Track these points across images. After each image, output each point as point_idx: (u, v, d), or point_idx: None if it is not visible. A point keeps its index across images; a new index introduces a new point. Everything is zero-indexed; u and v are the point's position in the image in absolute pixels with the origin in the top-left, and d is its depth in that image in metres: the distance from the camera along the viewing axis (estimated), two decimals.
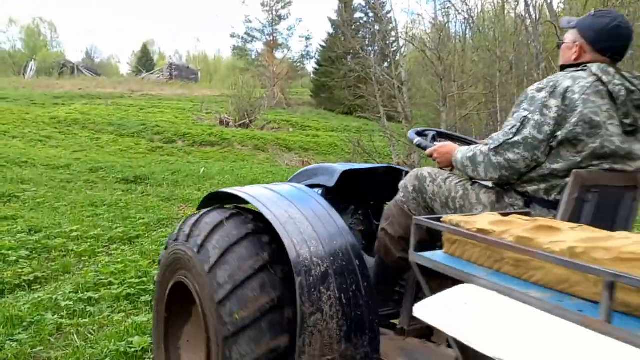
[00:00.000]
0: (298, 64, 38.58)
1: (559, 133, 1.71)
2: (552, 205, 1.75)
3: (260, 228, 1.95)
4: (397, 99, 16.42)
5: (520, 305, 1.00)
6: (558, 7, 20.48)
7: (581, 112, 1.68)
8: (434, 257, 1.37)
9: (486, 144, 1.86)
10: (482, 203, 1.90)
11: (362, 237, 2.61)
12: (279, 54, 36.48)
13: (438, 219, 1.46)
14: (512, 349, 0.84)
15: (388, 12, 26.77)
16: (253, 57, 37.65)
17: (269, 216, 1.88)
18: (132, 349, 2.87)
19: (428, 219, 1.48)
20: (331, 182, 2.44)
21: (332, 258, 1.79)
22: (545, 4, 18.64)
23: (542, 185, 1.78)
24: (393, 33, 24.55)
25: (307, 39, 38.81)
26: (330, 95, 31.77)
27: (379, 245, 2.17)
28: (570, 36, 1.89)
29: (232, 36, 37.59)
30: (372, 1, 28.25)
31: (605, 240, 1.04)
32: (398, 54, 22.49)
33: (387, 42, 23.39)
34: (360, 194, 2.64)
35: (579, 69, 1.80)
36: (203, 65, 55.74)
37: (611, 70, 1.76)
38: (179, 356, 2.21)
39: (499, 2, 26.46)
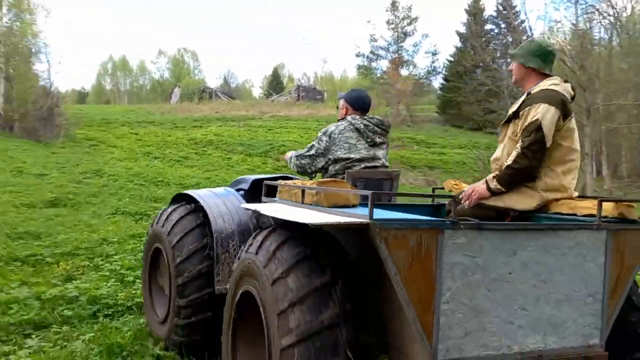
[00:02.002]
0: (424, 80, 37.73)
1: (329, 155, 3.25)
2: None
3: (199, 210, 3.42)
4: None
5: (282, 205, 2.68)
6: None
7: (340, 140, 3.23)
8: (272, 200, 2.90)
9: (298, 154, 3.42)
10: None
11: None
12: (404, 71, 36.02)
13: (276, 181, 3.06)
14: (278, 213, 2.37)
15: (522, 22, 25.13)
16: (378, 75, 37.51)
17: (203, 203, 3.38)
18: None
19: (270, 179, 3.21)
20: (246, 187, 3.61)
21: (236, 225, 3.24)
22: None
23: None
24: None
25: (434, 54, 37.72)
26: (458, 111, 30.44)
27: None
28: (340, 102, 3.46)
29: (358, 55, 37.73)
30: (505, 11, 26.73)
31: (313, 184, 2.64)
32: None
33: None
34: None
35: (343, 121, 3.32)
36: (329, 86, 57.03)
37: (357, 117, 3.32)
38: (157, 291, 3.67)
39: None
